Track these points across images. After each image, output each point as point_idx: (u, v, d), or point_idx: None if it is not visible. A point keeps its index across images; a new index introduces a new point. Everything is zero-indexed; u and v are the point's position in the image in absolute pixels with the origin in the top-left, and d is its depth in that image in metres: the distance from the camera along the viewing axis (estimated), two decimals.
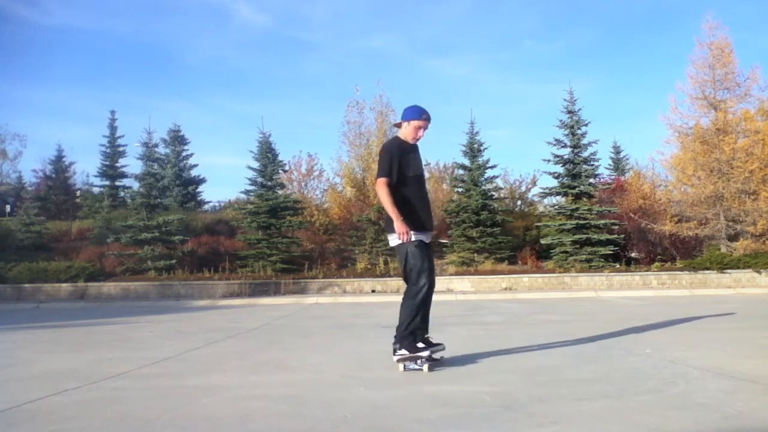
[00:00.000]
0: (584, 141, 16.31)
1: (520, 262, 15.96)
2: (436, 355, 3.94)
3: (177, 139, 26.70)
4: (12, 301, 13.53)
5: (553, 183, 16.76)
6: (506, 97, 58.56)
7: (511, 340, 5.44)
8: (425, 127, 4.08)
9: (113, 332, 7.02)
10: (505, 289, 13.41)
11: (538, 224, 17.12)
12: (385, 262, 15.00)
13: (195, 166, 26.80)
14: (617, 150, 27.87)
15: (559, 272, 14.24)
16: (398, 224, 3.75)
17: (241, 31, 60.80)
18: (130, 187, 24.97)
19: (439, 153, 64.90)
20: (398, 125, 4.17)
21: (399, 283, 11.01)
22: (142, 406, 2.98)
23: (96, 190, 28.11)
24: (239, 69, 60.09)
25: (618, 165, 27.14)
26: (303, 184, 23.67)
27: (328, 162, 37.62)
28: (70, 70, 55.41)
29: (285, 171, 21.55)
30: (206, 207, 26.40)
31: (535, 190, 21.03)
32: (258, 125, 33.83)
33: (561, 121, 16.47)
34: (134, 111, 54.98)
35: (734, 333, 5.61)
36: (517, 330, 6.33)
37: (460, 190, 17.91)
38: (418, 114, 4.03)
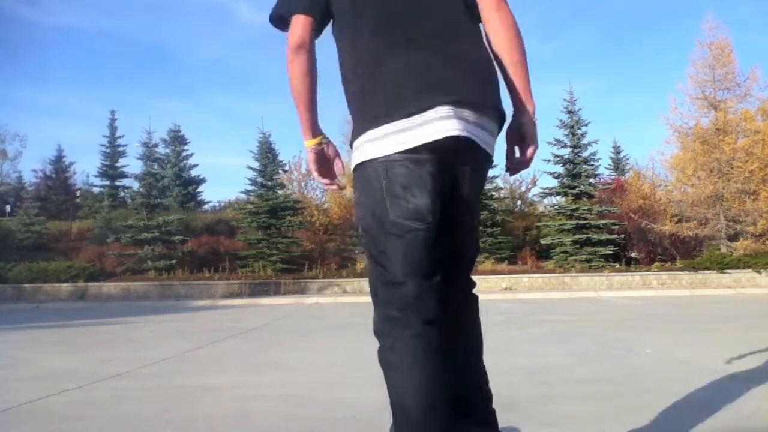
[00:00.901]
0: (584, 141, 16.34)
1: (520, 262, 15.97)
2: None
3: (177, 139, 26.73)
4: (12, 301, 13.53)
5: (553, 183, 16.80)
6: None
7: (511, 340, 5.44)
8: None
9: (113, 332, 7.01)
10: (505, 289, 13.41)
11: (538, 224, 17.13)
12: None
13: (195, 166, 26.88)
14: (617, 150, 27.92)
15: (559, 272, 14.24)
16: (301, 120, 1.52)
17: (241, 31, 60.86)
18: (130, 187, 25.02)
19: None
20: None
21: None
22: (142, 406, 2.98)
23: (96, 190, 28.17)
24: (239, 69, 60.16)
25: (618, 165, 27.17)
26: (303, 184, 23.66)
27: None
28: (70, 70, 55.47)
29: (285, 171, 21.56)
30: (206, 207, 26.44)
31: (535, 190, 21.07)
32: (258, 125, 33.89)
33: (561, 121, 16.50)
34: (134, 111, 55.10)
35: (734, 333, 5.60)
36: (517, 330, 6.33)
37: None
38: None
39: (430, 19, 1.41)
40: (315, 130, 1.53)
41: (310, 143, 1.53)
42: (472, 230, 1.60)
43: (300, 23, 1.42)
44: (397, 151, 1.30)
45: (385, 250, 1.35)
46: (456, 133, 1.29)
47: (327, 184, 1.60)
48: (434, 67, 1.34)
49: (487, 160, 1.46)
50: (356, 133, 1.40)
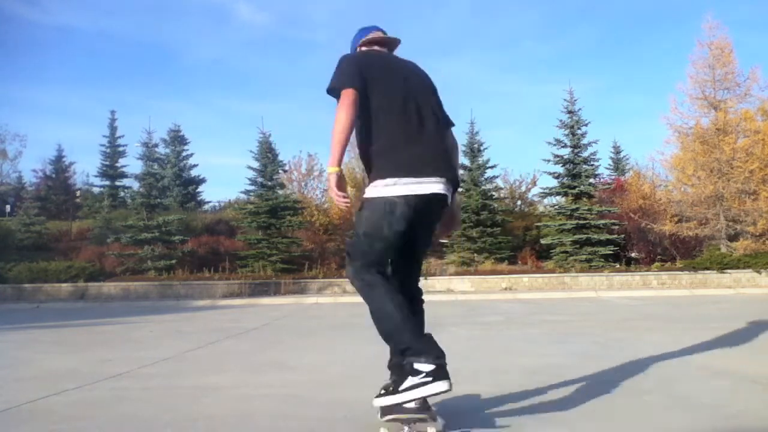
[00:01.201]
0: (584, 141, 16.33)
1: (520, 262, 15.97)
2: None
3: (177, 139, 26.72)
4: (12, 301, 13.53)
5: (553, 183, 16.78)
6: (506, 97, 58.57)
7: (511, 340, 5.44)
8: None
9: (113, 332, 7.02)
10: (505, 289, 13.41)
11: (538, 224, 17.13)
12: None
13: (195, 166, 26.85)
14: (617, 150, 27.88)
15: (559, 272, 14.24)
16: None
17: (241, 30, 60.85)
18: (130, 187, 25.03)
19: None
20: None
21: None
22: (142, 406, 2.98)
23: (96, 190, 28.16)
24: (239, 69, 60.13)
25: (618, 165, 27.14)
26: (303, 184, 23.67)
27: None
28: (70, 70, 55.42)
29: (285, 171, 21.54)
30: (206, 207, 26.42)
31: (535, 190, 21.05)
32: (258, 125, 33.91)
33: (561, 121, 16.49)
34: (134, 111, 54.95)
35: (734, 333, 5.60)
36: (517, 330, 6.33)
37: (460, 189, 17.92)
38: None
39: (430, 120, 2.43)
40: (340, 162, 2.31)
41: (335, 170, 2.28)
42: (429, 240, 2.59)
43: (353, 92, 2.30)
44: (400, 194, 2.24)
45: (373, 244, 2.28)
46: (441, 191, 2.32)
47: (344, 198, 2.29)
48: (434, 159, 2.34)
49: (446, 205, 2.42)
50: (377, 177, 2.30)
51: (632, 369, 3.66)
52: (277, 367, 4.14)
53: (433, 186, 2.28)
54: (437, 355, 2.12)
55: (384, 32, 2.68)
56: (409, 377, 2.09)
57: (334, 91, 2.36)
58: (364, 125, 2.37)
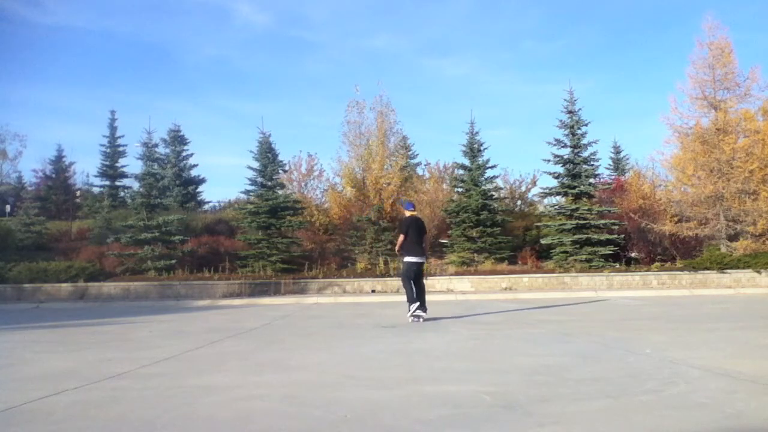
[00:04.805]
0: (584, 141, 16.32)
1: (520, 262, 15.97)
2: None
3: (177, 139, 26.72)
4: (12, 301, 13.54)
5: (553, 183, 16.77)
6: (506, 97, 58.59)
7: (511, 340, 5.44)
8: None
9: (113, 332, 7.02)
10: (505, 289, 13.41)
11: (538, 224, 17.14)
12: (385, 262, 15.01)
13: (195, 166, 26.84)
14: (617, 150, 27.92)
15: (559, 272, 14.25)
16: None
17: (242, 30, 60.88)
18: (130, 187, 25.06)
19: (439, 153, 65.05)
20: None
21: (398, 283, 11.12)
22: (142, 406, 2.98)
23: (96, 190, 28.18)
24: (240, 69, 60.18)
25: (618, 165, 27.17)
26: (303, 184, 23.64)
27: (328, 162, 37.71)
28: (70, 70, 55.42)
29: (285, 171, 21.53)
30: (206, 207, 26.42)
31: (535, 190, 21.06)
32: (258, 125, 33.93)
33: (561, 121, 16.48)
34: (134, 111, 55.02)
35: (734, 333, 5.61)
36: (517, 330, 6.33)
37: (460, 190, 17.93)
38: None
39: (421, 237, 7.93)
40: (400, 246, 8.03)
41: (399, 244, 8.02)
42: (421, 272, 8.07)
43: (403, 236, 7.83)
44: (413, 260, 7.75)
45: (408, 271, 7.81)
46: (423, 261, 8.11)
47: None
48: (421, 252, 7.87)
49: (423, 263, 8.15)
50: (404, 254, 7.77)
51: (632, 369, 3.67)
52: (277, 367, 4.14)
53: (419, 258, 7.74)
54: (422, 304, 7.53)
55: (415, 206, 8.47)
56: (417, 308, 7.43)
57: (399, 232, 7.98)
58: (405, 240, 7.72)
